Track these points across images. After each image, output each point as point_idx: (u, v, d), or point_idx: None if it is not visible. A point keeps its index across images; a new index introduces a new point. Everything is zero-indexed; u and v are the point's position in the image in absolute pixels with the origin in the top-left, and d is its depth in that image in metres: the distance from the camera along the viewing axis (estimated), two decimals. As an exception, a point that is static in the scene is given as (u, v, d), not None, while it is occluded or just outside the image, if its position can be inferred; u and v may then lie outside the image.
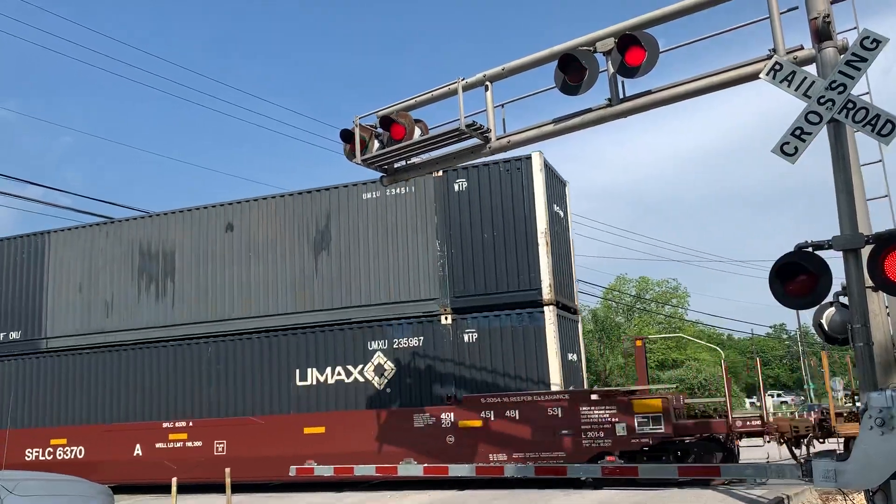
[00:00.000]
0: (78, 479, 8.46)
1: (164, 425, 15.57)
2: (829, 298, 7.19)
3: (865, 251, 6.33)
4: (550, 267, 14.05)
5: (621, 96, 8.41)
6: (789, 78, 6.40)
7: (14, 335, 17.69)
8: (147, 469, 15.38)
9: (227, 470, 11.15)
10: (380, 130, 9.87)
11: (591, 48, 8.38)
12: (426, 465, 13.28)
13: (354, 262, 15.23)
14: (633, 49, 7.94)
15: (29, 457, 16.30)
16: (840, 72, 6.25)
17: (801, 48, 7.34)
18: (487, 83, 9.34)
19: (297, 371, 15.15)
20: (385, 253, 15.06)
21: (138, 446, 15.57)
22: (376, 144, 9.95)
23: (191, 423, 15.42)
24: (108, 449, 15.80)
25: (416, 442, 13.51)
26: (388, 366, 14.58)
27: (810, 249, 6.61)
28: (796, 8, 7.37)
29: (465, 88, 9.39)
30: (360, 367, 14.77)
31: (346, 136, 9.97)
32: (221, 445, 15.05)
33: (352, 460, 12.53)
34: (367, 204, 15.39)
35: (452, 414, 13.48)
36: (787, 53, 7.29)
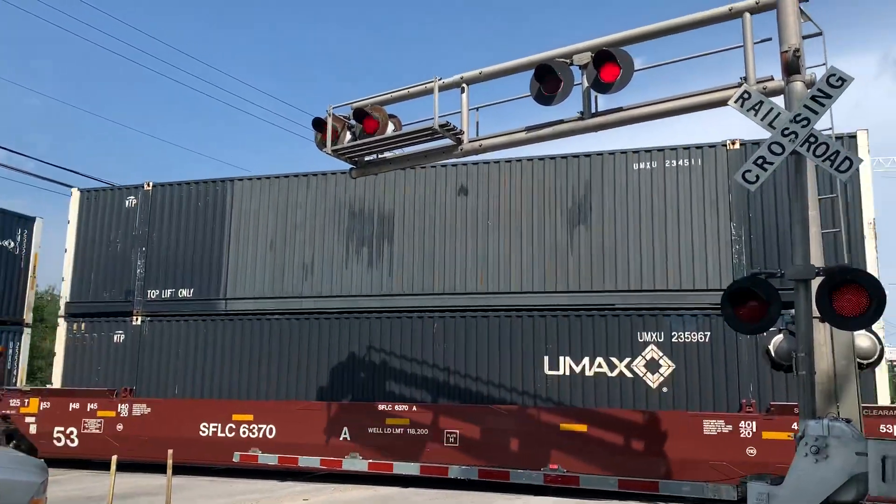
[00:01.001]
0: (5, 449, 8.28)
1: (381, 407, 13.55)
2: (779, 325, 7.41)
3: (816, 282, 6.49)
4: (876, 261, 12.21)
5: (594, 110, 8.50)
6: (756, 107, 6.54)
7: (185, 293, 15.72)
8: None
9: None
10: (353, 122, 9.84)
11: (568, 61, 8.46)
12: (370, 461, 13.25)
13: (621, 240, 13.41)
14: (608, 65, 8.04)
15: (204, 432, 14.31)
16: (805, 106, 6.40)
17: (772, 79, 7.50)
18: (464, 85, 9.37)
19: (546, 358, 13.39)
20: (661, 232, 13.22)
21: (346, 430, 13.58)
22: (348, 136, 9.91)
23: (414, 408, 13.42)
24: (307, 430, 13.75)
25: (705, 446, 11.74)
26: (665, 362, 12.83)
27: (763, 277, 6.77)
28: (769, 39, 7.53)
29: (442, 88, 9.41)
30: (627, 360, 12.96)
31: (319, 124, 9.91)
32: (454, 435, 13.05)
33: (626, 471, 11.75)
34: (640, 175, 13.51)
35: (754, 423, 11.61)
36: (758, 83, 7.44)
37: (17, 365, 17.84)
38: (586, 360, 13.21)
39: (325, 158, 10.09)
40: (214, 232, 15.81)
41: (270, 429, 14.06)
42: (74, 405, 15.18)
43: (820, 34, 7.25)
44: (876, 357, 7.58)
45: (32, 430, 15.22)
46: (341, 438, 13.60)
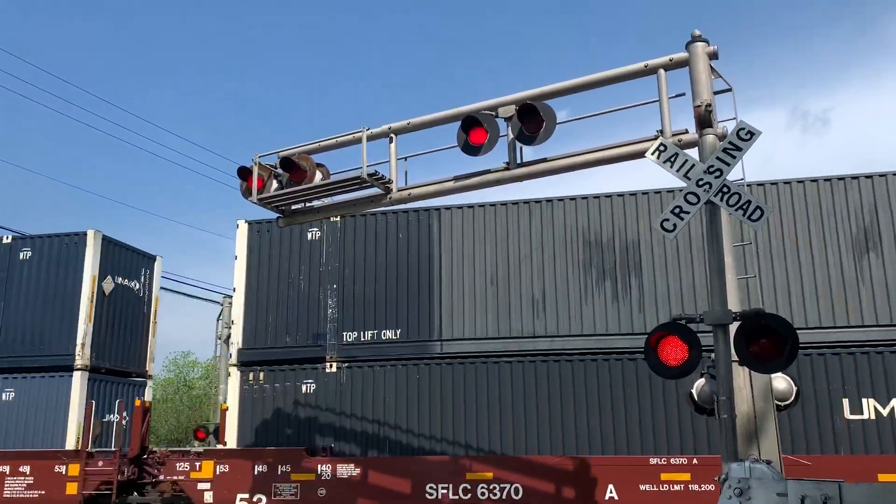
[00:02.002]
0: None
1: (652, 461, 11.80)
2: (701, 369, 7.58)
3: (734, 327, 6.70)
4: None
5: (519, 161, 8.70)
6: (672, 159, 6.82)
7: (390, 334, 13.59)
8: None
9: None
10: (279, 171, 9.76)
11: (494, 113, 8.66)
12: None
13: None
14: (532, 118, 8.27)
15: (431, 494, 12.29)
16: (718, 158, 6.71)
17: (686, 132, 7.84)
18: (392, 135, 9.45)
19: (846, 401, 11.65)
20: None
21: (611, 487, 11.79)
22: (274, 184, 9.81)
23: (694, 461, 11.62)
24: (561, 489, 11.94)
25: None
26: None
27: (684, 322, 6.95)
28: (683, 94, 7.90)
29: (370, 138, 9.46)
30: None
31: (244, 173, 9.78)
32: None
33: None
34: None
35: None
36: (674, 136, 7.76)
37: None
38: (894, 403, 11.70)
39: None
40: (420, 266, 13.82)
41: (516, 488, 12.08)
42: (261, 467, 12.89)
43: (730, 90, 7.66)
44: (793, 399, 7.83)
45: (208, 498, 13.02)
46: (607, 498, 11.75)
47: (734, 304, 6.95)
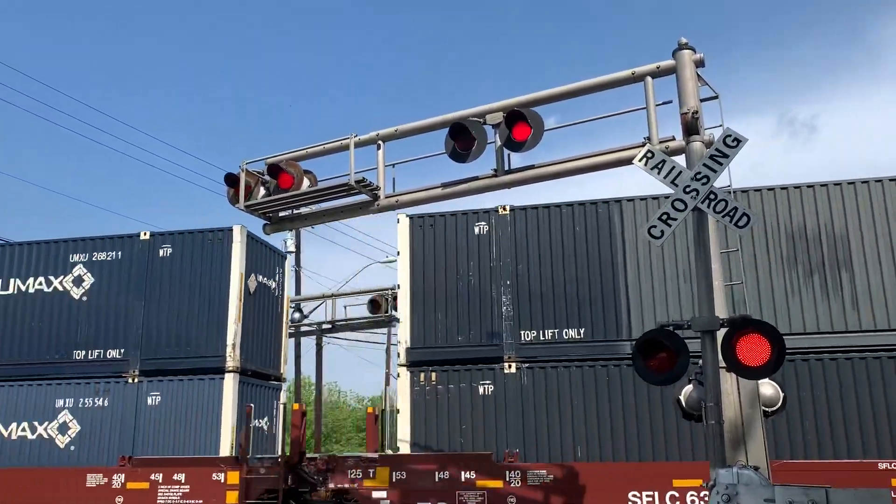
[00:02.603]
0: None
1: (881, 466, 11.04)
2: (690, 376, 7.59)
3: (721, 333, 6.71)
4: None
5: (507, 168, 8.72)
6: (659, 166, 6.84)
7: (572, 333, 12.72)
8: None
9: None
10: (267, 178, 9.73)
11: (482, 120, 8.68)
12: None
13: None
14: (519, 124, 8.30)
15: (636, 501, 11.42)
16: (705, 164, 6.73)
17: (673, 139, 7.89)
18: (380, 142, 9.46)
19: None
20: None
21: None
22: (262, 191, 9.79)
23: None
24: None
25: None
26: None
27: (671, 328, 6.96)
28: (671, 101, 7.94)
29: (358, 145, 9.45)
30: None
31: (231, 180, 9.75)
32: None
33: None
34: None
35: None
36: (661, 143, 7.81)
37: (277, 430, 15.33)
38: None
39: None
40: (602, 260, 13.00)
41: None
42: (443, 474, 11.99)
43: (717, 97, 7.72)
44: (780, 405, 7.86)
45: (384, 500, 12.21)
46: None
47: (721, 311, 6.97)
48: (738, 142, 6.67)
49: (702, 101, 7.58)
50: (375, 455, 12.68)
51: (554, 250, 13.20)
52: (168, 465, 13.22)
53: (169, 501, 13.04)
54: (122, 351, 14.50)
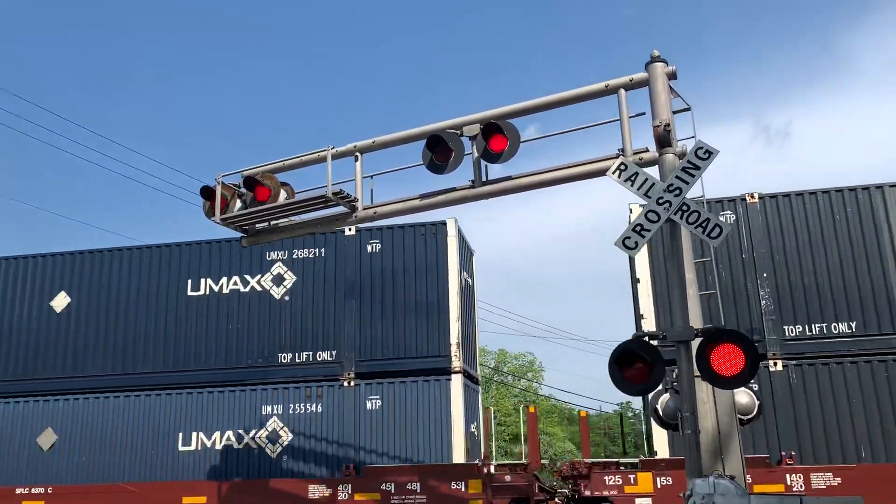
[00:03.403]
0: None
1: None
2: (666, 385, 7.65)
3: (696, 343, 6.77)
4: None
5: (484, 179, 8.75)
6: (632, 178, 6.91)
7: (843, 328, 12.14)
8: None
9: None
10: (243, 190, 9.67)
11: (459, 132, 8.71)
12: None
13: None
14: (496, 136, 8.34)
15: None
16: (677, 176, 6.81)
17: (647, 150, 7.95)
18: (357, 154, 9.45)
19: None
20: None
21: None
22: (238, 204, 9.73)
23: None
24: None
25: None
26: None
27: (647, 339, 7.00)
28: (643, 113, 8.01)
29: (335, 157, 9.44)
30: None
31: (207, 192, 9.69)
32: None
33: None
34: None
35: None
36: (634, 154, 7.87)
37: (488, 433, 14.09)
38: None
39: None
40: (868, 249, 12.43)
41: None
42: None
43: (689, 109, 7.79)
44: (755, 413, 7.93)
45: None
46: None
47: (696, 320, 7.03)
48: (709, 154, 6.75)
49: (674, 112, 7.65)
50: (636, 460, 11.99)
51: (813, 240, 12.63)
52: (400, 474, 12.28)
53: None
54: (334, 353, 13.55)
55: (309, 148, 9.71)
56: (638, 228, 6.72)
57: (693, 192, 6.92)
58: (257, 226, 10.15)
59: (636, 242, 6.73)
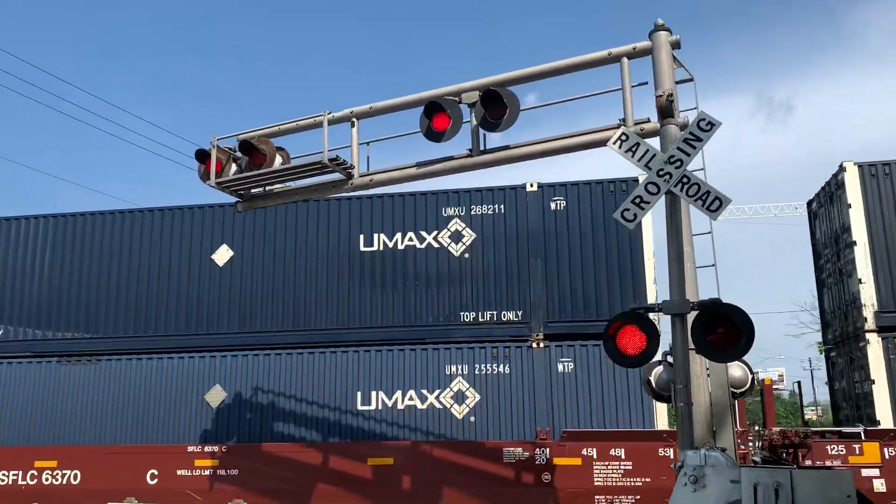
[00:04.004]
0: None
1: None
2: (658, 357, 7.65)
3: (691, 316, 6.75)
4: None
5: (482, 148, 8.64)
6: (633, 149, 6.82)
7: None
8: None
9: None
10: (239, 154, 9.56)
11: (457, 99, 8.58)
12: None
13: None
14: (495, 104, 8.21)
15: None
16: (678, 148, 6.72)
17: (649, 120, 7.85)
18: (354, 119, 9.32)
19: None
20: None
21: None
22: (233, 168, 9.62)
23: None
24: None
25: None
26: None
27: (643, 311, 6.98)
28: (646, 83, 7.89)
29: (332, 122, 9.31)
30: None
31: (202, 156, 9.56)
32: None
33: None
34: None
35: None
36: (636, 124, 7.77)
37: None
38: None
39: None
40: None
41: None
42: None
43: (692, 80, 7.68)
44: (748, 386, 7.96)
45: (879, 487, 10.95)
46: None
47: (692, 294, 7.00)
48: (711, 125, 6.66)
49: (677, 83, 7.54)
50: (859, 429, 11.49)
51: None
52: (603, 439, 11.81)
53: (608, 480, 11.63)
54: (520, 313, 13.09)
55: (305, 114, 9.56)
56: (637, 200, 6.66)
57: (693, 165, 6.85)
58: (252, 191, 10.06)
59: (635, 215, 6.66)
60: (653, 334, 6.73)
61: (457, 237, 13.43)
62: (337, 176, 9.43)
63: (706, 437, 7.05)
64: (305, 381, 13.16)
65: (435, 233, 13.53)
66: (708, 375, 7.34)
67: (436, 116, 8.58)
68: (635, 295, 12.68)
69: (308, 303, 13.51)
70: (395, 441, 12.49)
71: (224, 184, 9.58)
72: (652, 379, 7.96)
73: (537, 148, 8.39)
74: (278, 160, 9.46)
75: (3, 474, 12.75)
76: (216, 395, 13.35)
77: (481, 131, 8.61)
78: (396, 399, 12.92)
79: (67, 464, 12.65)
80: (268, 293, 13.68)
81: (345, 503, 11.94)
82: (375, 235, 13.64)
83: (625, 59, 7.87)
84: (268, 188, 10.05)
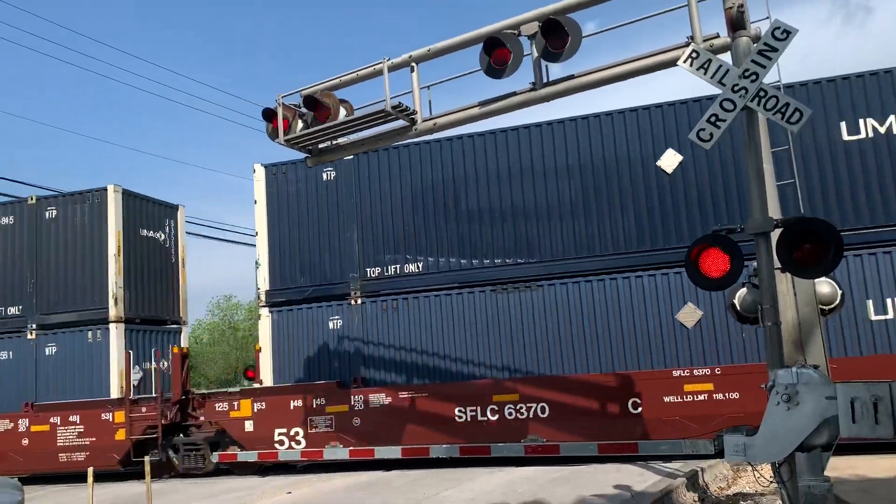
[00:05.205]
0: None
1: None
2: (743, 279, 7.50)
3: (775, 235, 6.57)
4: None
5: (545, 80, 8.48)
6: (705, 66, 6.56)
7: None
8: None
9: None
10: (303, 110, 9.68)
11: (517, 31, 8.41)
12: (352, 448, 13.27)
13: None
14: (556, 34, 8.01)
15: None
16: (753, 61, 6.43)
17: (718, 36, 7.55)
18: (413, 64, 9.27)
19: None
20: None
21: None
22: (300, 124, 9.75)
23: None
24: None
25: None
26: None
27: (724, 232, 6.83)
28: (713, -4, 7.54)
29: (391, 69, 9.29)
30: None
31: (269, 115, 9.73)
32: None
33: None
34: None
35: None
36: (704, 41, 7.48)
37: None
38: None
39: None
40: None
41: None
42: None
43: (762, -13, 7.30)
44: (837, 302, 7.73)
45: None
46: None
47: (774, 211, 6.80)
48: (787, 34, 6.33)
49: (747, -8, 7.18)
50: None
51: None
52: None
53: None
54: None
55: (364, 62, 9.54)
56: (713, 119, 6.44)
57: (769, 78, 6.56)
58: (320, 145, 10.19)
59: (711, 134, 6.45)
60: (736, 255, 6.59)
61: None
62: (401, 123, 9.45)
63: (795, 356, 6.94)
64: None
65: None
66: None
67: (496, 52, 8.45)
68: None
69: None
70: None
71: (293, 140, 9.74)
72: (736, 302, 7.83)
73: (603, 75, 8.18)
74: (342, 112, 9.53)
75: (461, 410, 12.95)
76: (690, 315, 12.45)
77: (543, 63, 8.44)
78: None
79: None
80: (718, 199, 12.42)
81: None
82: (861, 121, 11.86)
83: (690, -27, 7.53)
84: (334, 142, 10.16)
